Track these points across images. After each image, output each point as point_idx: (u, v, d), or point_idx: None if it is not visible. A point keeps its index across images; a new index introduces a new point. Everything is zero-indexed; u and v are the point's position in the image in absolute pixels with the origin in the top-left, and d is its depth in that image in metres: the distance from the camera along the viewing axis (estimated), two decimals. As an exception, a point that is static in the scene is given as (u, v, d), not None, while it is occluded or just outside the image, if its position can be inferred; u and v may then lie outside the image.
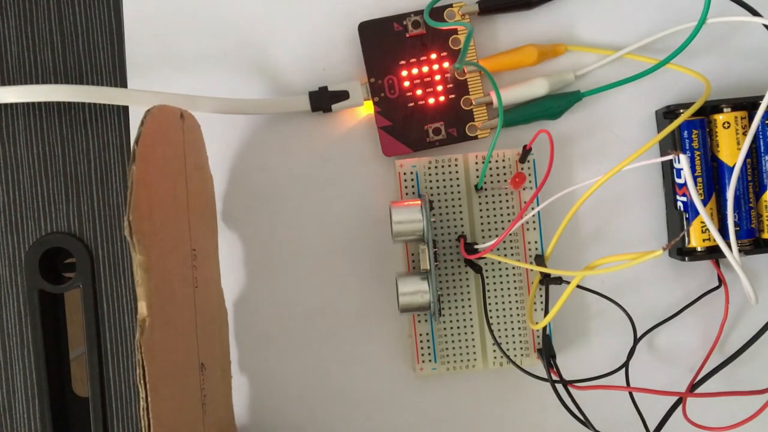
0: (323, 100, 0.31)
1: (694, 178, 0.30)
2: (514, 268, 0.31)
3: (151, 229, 0.25)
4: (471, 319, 0.32)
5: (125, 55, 0.32)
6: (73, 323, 0.33)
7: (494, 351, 0.32)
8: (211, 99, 0.31)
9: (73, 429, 0.33)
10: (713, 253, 0.30)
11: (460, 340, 0.32)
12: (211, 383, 0.29)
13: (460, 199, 0.31)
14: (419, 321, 0.32)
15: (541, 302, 0.31)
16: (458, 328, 0.32)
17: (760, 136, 0.30)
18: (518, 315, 0.32)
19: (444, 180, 0.31)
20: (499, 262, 0.31)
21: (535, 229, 0.31)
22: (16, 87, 0.31)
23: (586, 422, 0.29)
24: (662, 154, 0.31)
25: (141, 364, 0.24)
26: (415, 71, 0.31)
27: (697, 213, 0.30)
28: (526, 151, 0.30)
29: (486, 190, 0.31)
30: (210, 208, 0.31)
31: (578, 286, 0.30)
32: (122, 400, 0.32)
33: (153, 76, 0.32)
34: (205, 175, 0.31)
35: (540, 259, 0.31)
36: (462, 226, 0.31)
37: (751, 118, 0.30)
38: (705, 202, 0.30)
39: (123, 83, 0.32)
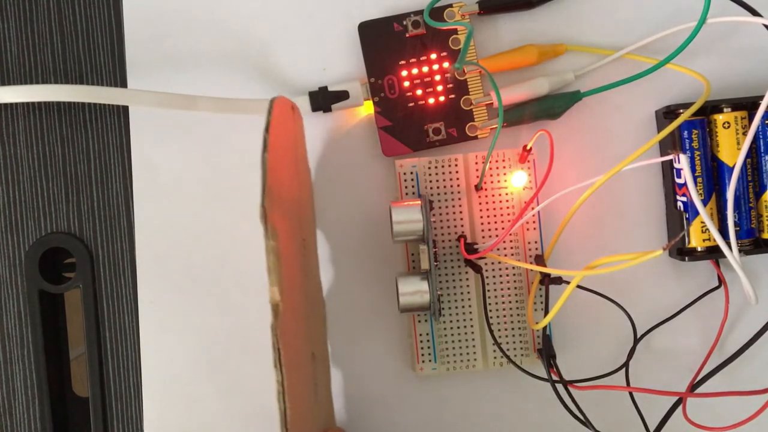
0: (323, 100, 0.31)
1: (694, 178, 0.30)
2: (514, 268, 0.31)
3: (281, 215, 0.25)
4: (471, 319, 0.32)
5: (125, 55, 0.32)
6: (73, 323, 0.33)
7: (494, 351, 0.32)
8: (211, 99, 0.30)
9: (73, 429, 0.33)
10: (713, 253, 0.30)
11: (460, 340, 0.32)
12: (319, 372, 0.29)
13: (460, 199, 0.31)
14: (419, 321, 0.32)
15: (541, 302, 0.31)
16: (458, 328, 0.32)
17: (760, 136, 0.30)
18: (518, 315, 0.32)
19: (444, 180, 0.31)
20: (499, 262, 0.31)
21: (535, 229, 0.31)
22: (16, 87, 0.31)
23: (586, 422, 0.29)
24: (662, 154, 0.31)
25: (276, 347, 0.23)
26: (415, 71, 0.31)
27: (697, 213, 0.30)
28: (526, 151, 0.30)
29: (486, 190, 0.31)
30: (311, 198, 0.31)
31: (578, 286, 0.30)
32: (122, 400, 0.32)
33: (153, 76, 0.32)
34: (308, 167, 0.31)
35: (540, 259, 0.31)
36: (462, 226, 0.31)
37: (751, 118, 0.30)
38: (705, 202, 0.30)
39: (123, 83, 0.32)
